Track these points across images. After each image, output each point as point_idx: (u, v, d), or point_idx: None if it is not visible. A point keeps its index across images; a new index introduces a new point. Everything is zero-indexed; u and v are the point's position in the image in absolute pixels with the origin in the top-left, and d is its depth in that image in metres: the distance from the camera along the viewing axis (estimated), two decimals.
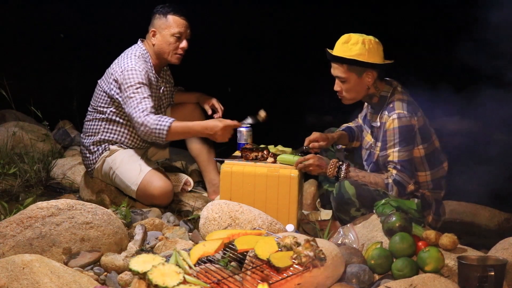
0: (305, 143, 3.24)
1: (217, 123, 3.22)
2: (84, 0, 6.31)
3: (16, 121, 4.75)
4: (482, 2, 3.31)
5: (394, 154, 2.96)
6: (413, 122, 2.96)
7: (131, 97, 3.24)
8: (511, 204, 3.71)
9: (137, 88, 3.25)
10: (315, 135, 3.20)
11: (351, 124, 3.40)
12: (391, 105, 3.00)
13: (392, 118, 2.95)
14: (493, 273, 2.28)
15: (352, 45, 2.96)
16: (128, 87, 3.26)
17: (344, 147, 3.42)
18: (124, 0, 5.40)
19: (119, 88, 3.31)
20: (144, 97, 3.24)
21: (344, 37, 3.01)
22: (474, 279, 2.29)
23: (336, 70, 3.02)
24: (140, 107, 3.21)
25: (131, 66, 3.30)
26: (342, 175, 3.00)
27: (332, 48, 3.04)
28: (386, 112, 3.00)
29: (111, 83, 3.37)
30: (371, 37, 3.00)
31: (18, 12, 6.20)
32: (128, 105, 3.25)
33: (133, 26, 3.49)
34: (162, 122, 3.16)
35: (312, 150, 3.24)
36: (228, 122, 3.22)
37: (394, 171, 2.95)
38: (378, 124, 3.07)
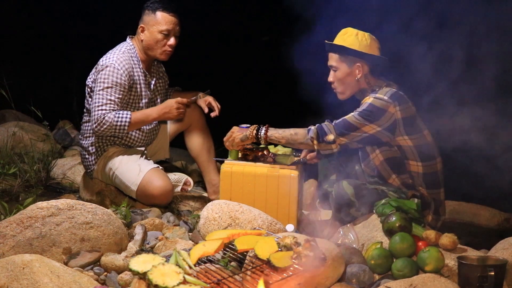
0: (302, 155, 3.29)
1: (171, 103, 3.34)
2: (85, 0, 6.31)
3: (16, 121, 4.75)
4: None
5: (346, 115, 2.99)
6: (390, 109, 2.97)
7: (99, 94, 3.29)
8: (511, 204, 3.71)
9: (108, 88, 3.29)
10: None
11: None
12: (376, 89, 3.06)
13: (370, 96, 3.01)
14: (493, 273, 2.28)
15: (347, 37, 3.08)
16: (100, 82, 3.30)
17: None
18: (125, 0, 5.40)
19: (95, 80, 3.35)
20: (110, 99, 3.29)
21: (343, 30, 3.14)
22: (474, 279, 2.29)
23: (331, 59, 3.13)
24: (103, 108, 3.27)
25: (110, 62, 3.33)
26: (262, 133, 3.05)
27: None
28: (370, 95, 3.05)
29: (92, 77, 3.41)
30: (367, 33, 3.09)
31: (18, 12, 6.20)
32: (94, 101, 3.30)
33: (134, 26, 3.48)
34: (122, 117, 3.26)
35: (310, 161, 3.30)
36: (179, 99, 3.36)
37: (326, 122, 2.99)
38: None
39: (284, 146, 3.30)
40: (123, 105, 3.38)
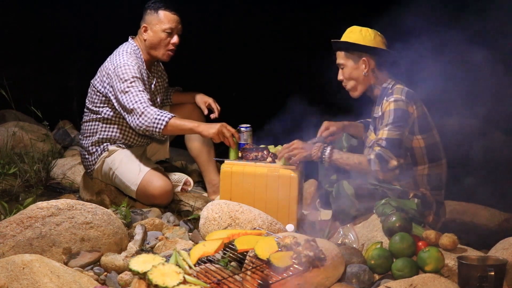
0: (318, 134, 3.31)
1: (212, 127, 3.18)
2: (85, 0, 6.31)
3: (16, 121, 4.75)
4: None
5: (384, 132, 2.97)
6: (409, 109, 2.99)
7: (127, 91, 3.23)
8: (511, 204, 3.70)
9: (131, 82, 3.25)
10: (325, 124, 3.32)
11: (368, 120, 3.41)
12: (390, 91, 3.07)
13: (389, 101, 3.00)
14: (493, 273, 2.28)
15: (352, 34, 3.14)
16: (122, 82, 3.26)
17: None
18: (124, 1, 5.41)
19: (112, 85, 3.32)
20: (140, 90, 3.24)
21: (348, 29, 3.19)
22: (474, 279, 2.29)
23: (338, 57, 3.19)
24: (138, 99, 3.20)
25: (123, 62, 3.30)
26: (326, 156, 3.02)
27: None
28: (386, 98, 3.05)
29: (104, 81, 3.38)
30: (371, 29, 3.13)
31: (18, 12, 6.20)
32: (125, 99, 3.23)
33: (134, 26, 3.49)
34: (163, 116, 3.15)
35: (326, 139, 3.31)
36: (225, 127, 3.18)
37: (378, 148, 2.94)
38: (380, 113, 3.08)
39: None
40: None
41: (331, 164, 3.05)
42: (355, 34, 3.11)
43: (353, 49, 3.10)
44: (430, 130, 3.08)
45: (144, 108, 3.17)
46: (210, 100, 3.62)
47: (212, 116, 3.59)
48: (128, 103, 3.21)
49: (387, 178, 2.95)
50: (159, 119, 3.15)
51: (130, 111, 3.21)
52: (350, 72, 3.13)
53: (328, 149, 3.03)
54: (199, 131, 3.22)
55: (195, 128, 3.21)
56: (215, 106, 3.60)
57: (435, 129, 3.12)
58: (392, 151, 2.92)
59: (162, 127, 3.15)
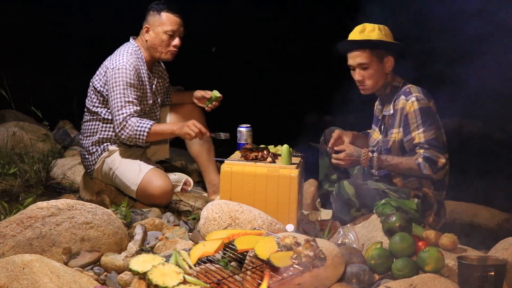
0: (329, 144, 3.17)
1: (192, 121, 3.29)
2: (85, 0, 6.32)
3: (16, 121, 4.75)
4: None
5: (419, 135, 2.93)
6: (431, 105, 2.97)
7: (116, 98, 3.29)
8: (511, 204, 3.70)
9: (124, 89, 3.29)
10: (337, 133, 3.19)
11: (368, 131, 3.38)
12: (407, 90, 3.00)
13: (411, 101, 2.95)
14: (493, 273, 2.28)
15: (370, 32, 3.00)
16: (115, 86, 3.30)
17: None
18: (125, 0, 5.41)
19: (107, 84, 3.35)
20: (129, 101, 3.29)
21: (359, 27, 3.05)
22: (474, 279, 2.29)
23: (359, 57, 3.02)
24: (124, 111, 3.27)
25: (122, 64, 3.32)
26: (375, 165, 2.99)
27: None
28: (403, 96, 2.99)
29: (101, 79, 3.40)
30: (383, 25, 3.04)
31: (19, 13, 6.20)
32: (112, 105, 3.30)
33: (134, 26, 3.49)
34: (144, 125, 3.26)
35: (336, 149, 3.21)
36: (201, 126, 3.28)
37: (422, 150, 2.92)
38: (391, 111, 3.06)
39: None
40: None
41: (381, 171, 3.03)
42: (374, 32, 2.98)
43: (380, 47, 2.97)
44: (440, 128, 3.05)
45: (125, 120, 3.26)
46: (200, 94, 3.62)
47: (207, 109, 3.61)
48: (113, 111, 3.29)
49: (439, 177, 2.95)
50: (141, 130, 3.25)
51: (114, 121, 3.30)
52: (376, 72, 3.01)
53: (375, 158, 2.98)
54: (176, 134, 3.35)
55: (173, 131, 3.35)
56: (205, 93, 3.61)
57: (442, 128, 3.09)
58: (436, 150, 2.91)
59: (145, 137, 3.26)
